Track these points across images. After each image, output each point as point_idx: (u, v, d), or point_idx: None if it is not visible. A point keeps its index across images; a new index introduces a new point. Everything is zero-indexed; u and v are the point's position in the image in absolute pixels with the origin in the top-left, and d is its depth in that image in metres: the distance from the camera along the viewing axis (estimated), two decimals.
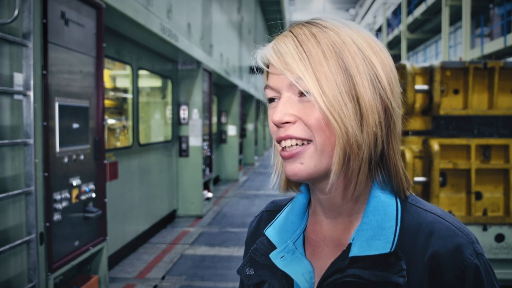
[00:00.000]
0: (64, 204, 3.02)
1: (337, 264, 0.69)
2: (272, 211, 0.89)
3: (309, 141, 0.67)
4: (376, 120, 0.67)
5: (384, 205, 0.71)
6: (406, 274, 0.65)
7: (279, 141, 0.70)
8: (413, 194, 0.75)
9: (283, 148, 0.69)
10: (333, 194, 0.72)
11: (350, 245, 0.69)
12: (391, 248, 0.66)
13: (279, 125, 0.69)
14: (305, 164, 0.68)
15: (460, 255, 0.66)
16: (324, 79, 0.65)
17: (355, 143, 0.66)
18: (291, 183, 0.81)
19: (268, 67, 0.73)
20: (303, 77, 0.66)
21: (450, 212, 3.99)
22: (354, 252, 0.68)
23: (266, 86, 0.73)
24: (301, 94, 0.67)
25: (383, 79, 0.68)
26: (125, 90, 5.69)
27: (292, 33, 0.70)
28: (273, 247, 0.78)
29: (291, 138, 0.68)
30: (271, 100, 0.72)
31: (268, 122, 0.72)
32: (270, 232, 0.81)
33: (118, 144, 5.44)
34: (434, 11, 19.00)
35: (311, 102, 0.66)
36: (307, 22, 0.71)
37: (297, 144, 0.68)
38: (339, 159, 0.66)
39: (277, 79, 0.70)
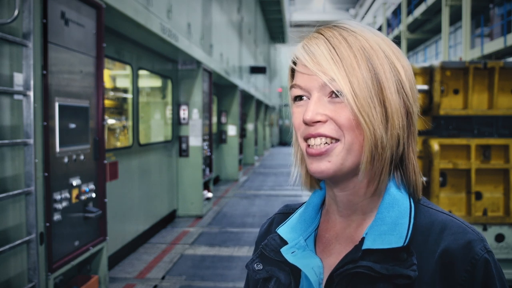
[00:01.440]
0: (64, 204, 3.02)
1: (350, 256, 0.72)
2: (285, 213, 0.91)
3: (337, 140, 0.71)
4: (400, 123, 0.71)
5: (398, 203, 0.74)
6: (416, 269, 0.67)
7: (307, 139, 0.72)
8: (424, 197, 0.78)
9: (309, 146, 0.72)
10: (352, 191, 0.76)
11: (363, 239, 0.72)
12: (404, 242, 0.69)
13: (310, 124, 0.71)
14: (332, 162, 0.71)
15: (471, 250, 0.68)
16: (356, 82, 0.69)
17: (381, 144, 0.70)
18: (312, 180, 0.84)
19: (295, 65, 0.76)
20: (336, 78, 0.69)
21: (450, 212, 3.99)
22: (367, 245, 0.70)
23: (294, 85, 0.75)
24: (332, 95, 0.71)
25: (406, 85, 0.73)
26: (125, 90, 5.69)
27: (323, 35, 0.73)
28: (284, 243, 0.81)
29: (321, 136, 0.71)
30: (297, 98, 0.75)
31: (293, 119, 0.76)
32: (283, 230, 0.83)
33: (118, 144, 5.44)
34: (434, 11, 18.99)
35: (342, 103, 0.70)
36: (335, 26, 0.75)
37: (326, 143, 0.71)
38: (367, 159, 0.70)
39: (308, 79, 0.72)
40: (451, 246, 0.68)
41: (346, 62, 0.69)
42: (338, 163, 0.71)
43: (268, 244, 0.82)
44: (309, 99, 0.73)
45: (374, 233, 0.71)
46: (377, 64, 0.70)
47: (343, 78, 0.69)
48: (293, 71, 0.78)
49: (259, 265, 0.82)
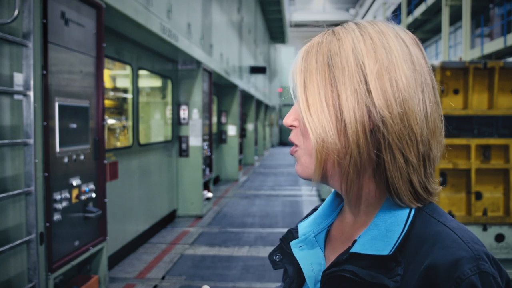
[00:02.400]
0: (64, 204, 3.02)
1: (339, 258, 0.71)
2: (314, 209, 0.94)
3: (297, 145, 0.75)
4: (358, 130, 0.66)
5: (396, 209, 0.70)
6: (400, 279, 0.64)
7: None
8: (435, 205, 0.72)
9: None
10: (351, 195, 0.75)
11: (355, 241, 0.70)
12: (389, 251, 0.66)
13: (288, 127, 0.77)
14: (299, 165, 0.75)
15: (458, 269, 0.60)
16: (310, 88, 0.70)
17: (335, 150, 0.68)
18: None
19: None
20: (295, 84, 0.74)
21: (449, 212, 3.99)
22: (355, 249, 0.69)
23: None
24: None
25: (377, 91, 0.66)
26: (125, 90, 5.69)
27: (312, 41, 0.76)
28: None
29: (291, 141, 0.76)
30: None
31: None
32: (302, 224, 0.85)
33: (118, 144, 5.44)
34: (434, 11, 18.99)
35: None
36: (342, 26, 0.75)
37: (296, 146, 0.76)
38: (315, 163, 0.71)
39: None
40: (438, 262, 0.62)
41: (307, 68, 0.72)
42: (304, 167, 0.74)
43: (286, 237, 0.84)
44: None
45: (365, 237, 0.69)
46: (338, 70, 0.68)
47: (300, 85, 0.72)
48: None
49: (277, 256, 0.85)
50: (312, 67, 0.71)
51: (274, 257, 0.85)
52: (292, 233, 0.84)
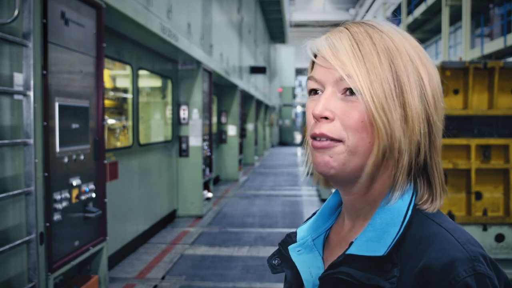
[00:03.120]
0: (64, 204, 3.02)
1: (335, 260, 0.70)
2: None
3: (339, 141, 0.68)
4: (421, 130, 0.68)
5: (393, 210, 0.69)
6: (396, 281, 0.63)
7: (312, 136, 0.70)
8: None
9: (315, 138, 0.70)
10: (356, 196, 0.73)
11: (351, 243, 0.69)
12: (384, 252, 0.65)
13: (317, 118, 0.69)
14: (334, 158, 0.68)
15: (453, 270, 0.60)
16: (376, 80, 0.66)
17: (398, 148, 0.66)
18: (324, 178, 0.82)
19: (315, 58, 0.74)
20: (354, 74, 0.66)
21: (449, 212, 3.99)
22: (351, 250, 0.68)
23: (310, 78, 0.73)
24: (346, 91, 0.68)
25: (429, 92, 0.69)
26: (125, 90, 5.68)
27: (348, 30, 0.70)
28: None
29: (323, 136, 0.68)
30: (312, 92, 0.73)
31: (306, 114, 0.73)
32: (301, 228, 0.84)
33: (118, 144, 5.44)
34: (434, 11, 18.98)
35: (355, 102, 0.67)
36: (363, 22, 0.72)
37: (327, 140, 0.69)
38: (374, 162, 0.67)
39: (324, 73, 0.70)
40: (432, 263, 0.61)
41: (368, 59, 0.67)
42: (340, 161, 0.68)
43: (285, 242, 0.83)
44: (323, 93, 0.71)
45: (362, 238, 0.68)
46: (400, 66, 0.67)
47: (363, 75, 0.66)
48: (313, 64, 0.75)
49: (276, 260, 0.83)
50: (374, 58, 0.67)
51: (273, 262, 0.83)
52: (291, 238, 0.83)
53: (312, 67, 0.75)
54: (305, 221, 0.86)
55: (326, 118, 0.68)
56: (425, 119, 0.68)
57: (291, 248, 0.79)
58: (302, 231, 0.83)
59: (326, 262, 0.77)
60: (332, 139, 0.68)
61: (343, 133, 0.67)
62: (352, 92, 0.67)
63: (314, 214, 0.89)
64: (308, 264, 0.76)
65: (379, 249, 0.66)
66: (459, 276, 0.59)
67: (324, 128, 0.68)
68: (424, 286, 0.61)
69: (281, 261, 0.82)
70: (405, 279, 0.63)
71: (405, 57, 0.68)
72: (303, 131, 20.66)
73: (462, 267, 0.60)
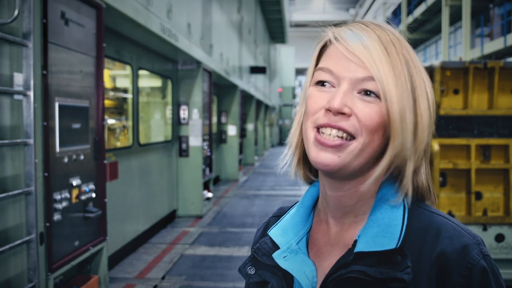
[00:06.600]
0: (64, 204, 3.02)
1: (343, 260, 0.69)
2: (279, 216, 0.88)
3: (353, 137, 0.67)
4: (427, 139, 0.71)
5: (391, 205, 0.71)
6: (411, 271, 0.65)
7: (322, 127, 0.68)
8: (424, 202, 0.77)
9: (321, 134, 0.69)
10: (346, 193, 0.73)
11: (356, 242, 0.69)
12: (397, 244, 0.67)
13: (334, 113, 0.67)
14: (341, 158, 0.68)
15: (467, 254, 0.65)
16: (401, 88, 0.67)
17: (403, 156, 0.69)
18: (305, 170, 0.82)
19: (323, 47, 0.73)
20: (385, 79, 0.66)
21: (450, 212, 3.99)
22: (359, 248, 0.68)
23: (322, 68, 0.70)
24: (365, 93, 0.68)
25: (431, 104, 0.72)
26: (125, 90, 5.68)
27: (371, 29, 0.70)
28: (276, 248, 0.78)
29: (341, 129, 0.67)
30: (320, 83, 0.71)
31: (309, 103, 0.71)
32: (274, 232, 0.80)
33: (118, 144, 5.44)
34: (434, 11, 18.98)
35: (372, 103, 0.67)
36: (378, 25, 0.71)
37: (340, 137, 0.68)
38: (383, 168, 0.69)
39: (344, 67, 0.68)
40: (446, 250, 0.66)
41: (395, 65, 0.67)
42: (347, 161, 0.68)
43: (260, 248, 0.79)
44: (333, 87, 0.69)
45: (366, 235, 0.69)
46: (415, 76, 0.69)
47: (391, 81, 0.66)
48: (320, 53, 0.74)
49: (251, 269, 0.80)
50: (399, 66, 0.68)
51: (248, 271, 0.80)
52: (267, 243, 0.79)
53: (319, 56, 0.73)
54: (274, 225, 0.82)
55: (343, 114, 0.67)
56: (429, 131, 0.72)
57: (276, 255, 0.76)
58: (278, 236, 0.79)
59: (317, 263, 0.76)
60: (349, 134, 0.67)
61: (358, 130, 0.67)
62: (367, 93, 0.67)
63: (278, 216, 0.87)
64: (301, 268, 0.75)
65: (389, 243, 0.67)
66: (474, 260, 0.65)
67: (342, 122, 0.67)
68: (442, 271, 0.66)
69: (257, 269, 0.79)
70: (421, 268, 0.66)
71: (418, 68, 0.71)
72: None
73: (474, 251, 0.66)
